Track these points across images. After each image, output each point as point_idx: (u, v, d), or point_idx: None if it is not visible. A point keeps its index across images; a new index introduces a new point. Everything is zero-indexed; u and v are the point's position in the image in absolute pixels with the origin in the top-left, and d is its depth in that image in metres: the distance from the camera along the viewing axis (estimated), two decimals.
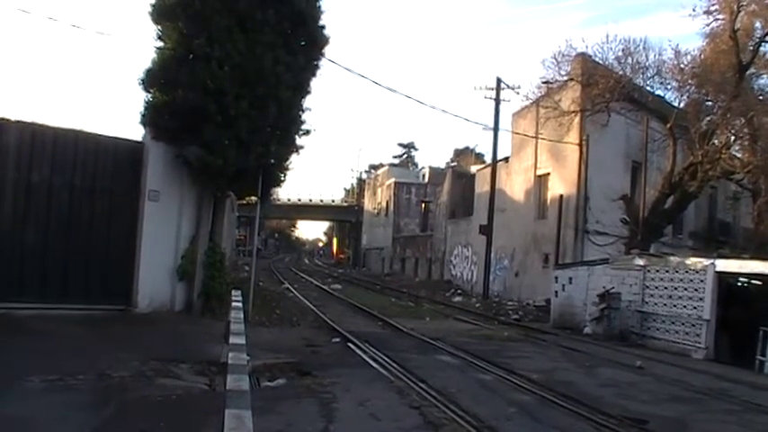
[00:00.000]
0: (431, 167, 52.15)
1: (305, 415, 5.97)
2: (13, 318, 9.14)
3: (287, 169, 12.46)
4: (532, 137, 23.27)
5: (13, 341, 7.87)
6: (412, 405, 6.68)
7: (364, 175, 66.53)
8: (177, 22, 10.44)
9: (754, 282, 13.07)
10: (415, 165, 75.48)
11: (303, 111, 12.01)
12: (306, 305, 17.20)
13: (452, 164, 53.62)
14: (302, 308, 16.30)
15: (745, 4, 17.23)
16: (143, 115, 11.04)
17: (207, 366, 7.21)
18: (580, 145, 21.03)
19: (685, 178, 18.24)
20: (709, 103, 19.28)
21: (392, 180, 50.20)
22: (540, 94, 21.63)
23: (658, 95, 20.19)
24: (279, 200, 53.54)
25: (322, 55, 12.09)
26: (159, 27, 10.84)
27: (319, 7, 11.68)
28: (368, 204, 58.59)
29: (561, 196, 21.74)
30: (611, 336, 14.11)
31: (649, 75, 19.50)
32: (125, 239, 10.83)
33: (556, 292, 17.37)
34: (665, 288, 13.89)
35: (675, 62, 19.04)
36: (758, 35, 17.66)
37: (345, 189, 76.75)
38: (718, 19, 17.92)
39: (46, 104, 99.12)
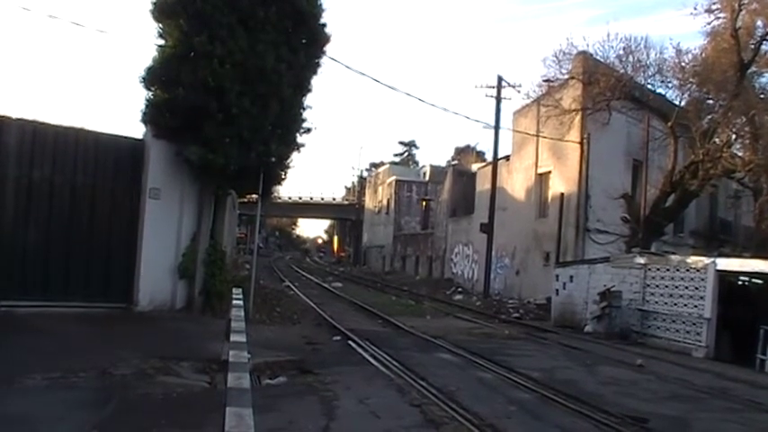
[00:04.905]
0: (432, 165, 51.99)
1: (306, 413, 5.98)
2: (14, 316, 9.15)
3: (288, 167, 12.46)
4: (533, 135, 23.27)
5: (14, 339, 7.89)
6: (412, 403, 6.69)
7: (365, 174, 66.35)
8: (178, 19, 10.40)
9: (754, 280, 13.10)
10: (416, 163, 75.31)
11: (304, 109, 12.01)
12: (306, 303, 17.21)
13: (453, 162, 53.33)
14: (303, 306, 16.31)
15: (746, 2, 17.20)
16: (144, 113, 11.01)
17: (208, 364, 7.22)
18: (581, 143, 21.02)
19: (686, 177, 18.24)
20: (711, 101, 19.28)
21: (393, 178, 50.11)
22: (541, 93, 21.68)
23: (659, 94, 20.20)
24: (279, 198, 53.51)
25: (323, 53, 12.07)
26: (160, 25, 10.81)
27: (320, 5, 11.65)
28: (368, 202, 58.54)
29: (562, 194, 21.74)
30: (612, 334, 14.13)
31: (650, 73, 19.57)
32: (126, 237, 10.82)
33: (557, 290, 17.39)
34: (666, 287, 13.90)
35: (676, 60, 19.08)
36: (759, 34, 17.62)
37: (346, 187, 76.72)
38: (719, 17, 17.91)
39: (47, 102, 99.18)
